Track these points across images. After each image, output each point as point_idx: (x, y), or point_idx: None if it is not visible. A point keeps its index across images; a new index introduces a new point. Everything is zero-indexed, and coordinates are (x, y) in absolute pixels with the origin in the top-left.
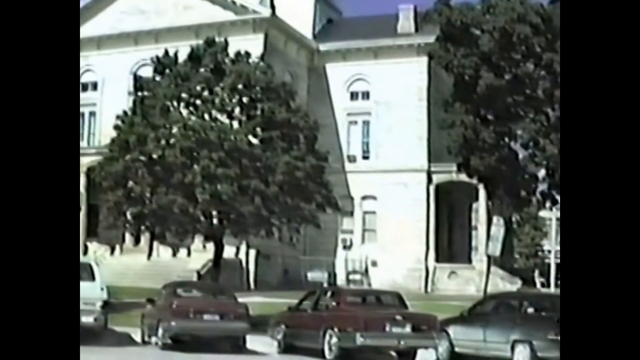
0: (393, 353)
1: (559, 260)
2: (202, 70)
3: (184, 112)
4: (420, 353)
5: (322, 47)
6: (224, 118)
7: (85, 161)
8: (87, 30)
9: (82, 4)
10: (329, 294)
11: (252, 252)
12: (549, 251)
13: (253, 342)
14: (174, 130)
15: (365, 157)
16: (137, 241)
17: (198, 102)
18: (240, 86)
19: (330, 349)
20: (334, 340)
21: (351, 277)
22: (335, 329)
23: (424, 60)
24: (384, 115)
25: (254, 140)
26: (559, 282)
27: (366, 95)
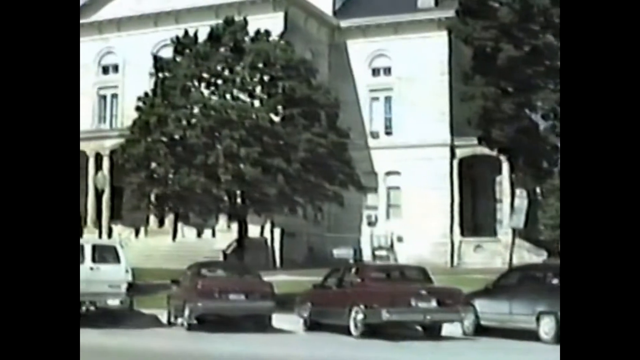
0: (419, 328)
1: None
2: (222, 49)
3: (205, 92)
4: (445, 327)
5: (343, 23)
6: (245, 97)
7: (107, 144)
8: (107, 12)
9: None
10: (353, 270)
11: (277, 231)
12: None
13: (279, 320)
14: (195, 110)
15: (388, 133)
16: (161, 223)
17: (219, 81)
18: (260, 65)
19: (356, 325)
20: (360, 316)
21: (377, 253)
22: (361, 305)
23: (444, 34)
24: (406, 91)
25: (276, 119)
26: None
27: (388, 71)
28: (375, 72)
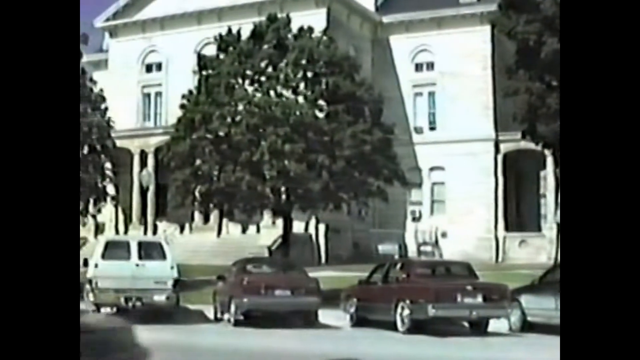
0: (465, 324)
1: None
2: (265, 46)
3: (249, 89)
4: (492, 323)
5: (385, 19)
6: (288, 93)
7: (152, 141)
8: (150, 11)
9: None
10: (398, 266)
11: (322, 227)
12: None
13: (325, 316)
14: (239, 107)
15: (432, 128)
16: (206, 219)
17: (262, 78)
18: (303, 61)
19: (402, 321)
20: (406, 312)
21: (422, 248)
22: (407, 301)
23: (487, 28)
24: (449, 86)
25: (320, 115)
26: None
27: (431, 66)
28: (418, 67)
